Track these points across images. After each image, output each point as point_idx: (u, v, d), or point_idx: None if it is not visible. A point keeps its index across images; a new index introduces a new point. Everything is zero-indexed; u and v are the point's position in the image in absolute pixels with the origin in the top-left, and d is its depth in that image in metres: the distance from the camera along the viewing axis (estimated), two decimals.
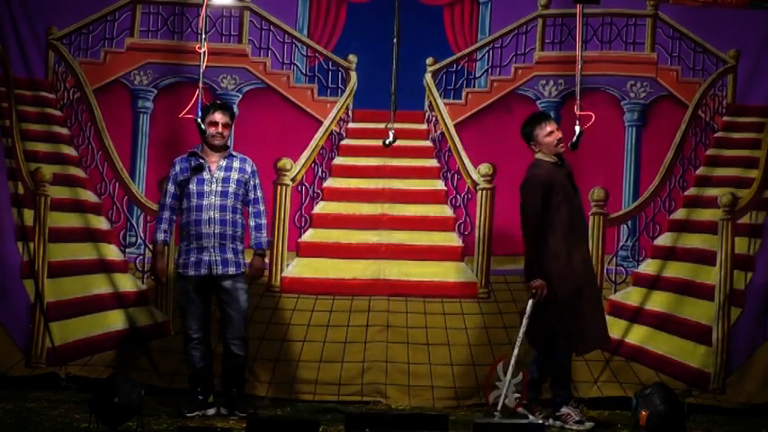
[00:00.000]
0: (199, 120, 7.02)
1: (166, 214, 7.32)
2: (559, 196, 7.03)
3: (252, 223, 7.37)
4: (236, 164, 7.32)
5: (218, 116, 7.26)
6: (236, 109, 8.10)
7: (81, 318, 8.01)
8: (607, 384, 7.98)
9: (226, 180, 7.25)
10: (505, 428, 6.21)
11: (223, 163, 7.27)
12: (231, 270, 7.22)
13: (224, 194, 7.23)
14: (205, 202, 7.19)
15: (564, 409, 7.07)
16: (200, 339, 7.23)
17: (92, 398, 6.41)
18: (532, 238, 7.05)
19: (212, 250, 7.18)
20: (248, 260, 7.39)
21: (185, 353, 7.29)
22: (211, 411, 7.23)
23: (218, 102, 7.62)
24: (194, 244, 7.19)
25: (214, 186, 7.23)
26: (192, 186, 7.22)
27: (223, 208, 7.21)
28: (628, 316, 8.06)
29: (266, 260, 7.58)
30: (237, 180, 7.28)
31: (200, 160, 7.26)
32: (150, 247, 8.02)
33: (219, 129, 7.24)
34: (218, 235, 7.19)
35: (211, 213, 7.19)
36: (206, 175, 7.23)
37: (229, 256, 7.22)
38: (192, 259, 7.19)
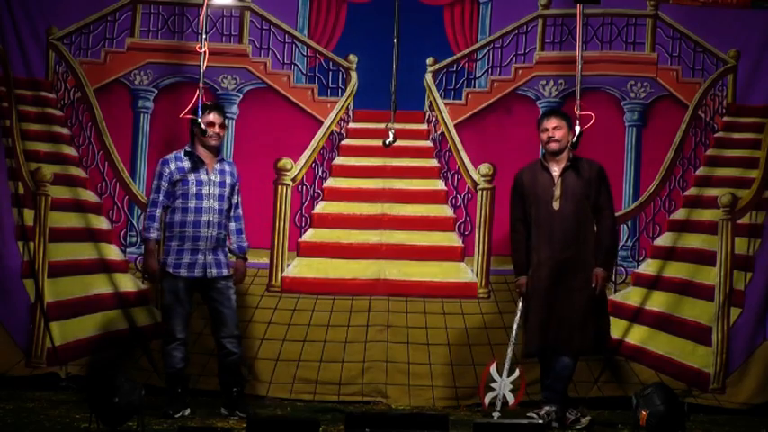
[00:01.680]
0: (199, 120, 7.01)
1: (158, 212, 7.23)
2: (529, 198, 7.13)
3: (233, 227, 7.34)
4: (227, 168, 7.32)
5: (214, 116, 7.20)
6: (235, 109, 8.16)
7: (81, 318, 8.01)
8: (607, 384, 7.99)
9: (222, 184, 7.24)
10: (505, 428, 6.20)
11: (218, 166, 7.26)
12: (225, 272, 7.23)
13: (221, 198, 7.22)
14: (204, 205, 7.17)
15: (546, 407, 7.07)
16: (183, 340, 7.20)
17: (92, 398, 6.42)
18: (510, 236, 7.29)
19: (207, 252, 7.17)
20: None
21: (165, 353, 7.22)
22: (188, 411, 7.22)
23: (211, 103, 7.55)
24: (188, 245, 7.16)
25: (212, 189, 7.21)
26: (191, 187, 7.19)
27: (220, 212, 7.20)
28: (628, 316, 8.06)
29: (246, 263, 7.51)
30: (230, 184, 7.29)
31: (198, 162, 7.22)
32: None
33: (216, 129, 7.21)
34: (214, 238, 7.17)
35: (210, 216, 7.17)
36: (204, 176, 7.22)
37: (221, 257, 7.22)
38: (186, 260, 7.16)
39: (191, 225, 7.17)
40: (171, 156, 7.28)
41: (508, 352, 7.27)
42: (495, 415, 7.13)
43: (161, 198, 7.22)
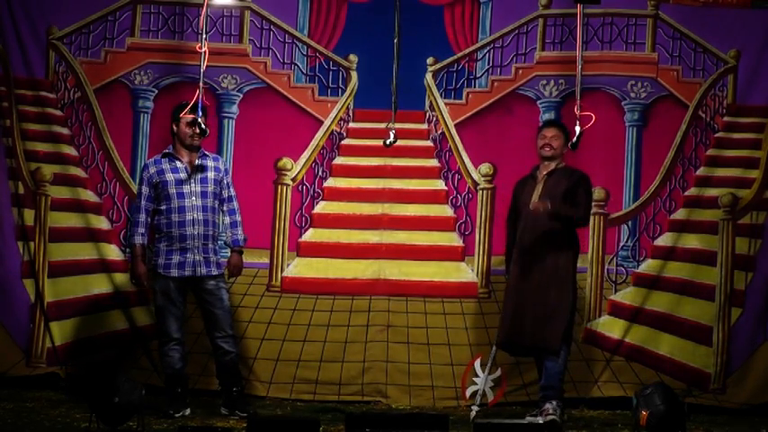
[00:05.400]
0: (200, 119, 7.00)
1: (143, 217, 7.26)
2: (519, 205, 7.34)
3: (228, 221, 7.37)
4: (210, 163, 7.32)
5: None
6: (235, 109, 8.16)
7: (81, 318, 8.00)
8: (607, 384, 7.99)
9: (204, 180, 7.25)
10: (505, 428, 6.21)
11: (199, 163, 7.28)
12: (214, 271, 7.24)
13: (204, 195, 7.23)
14: (187, 203, 7.19)
15: (546, 405, 7.11)
16: (180, 340, 7.23)
17: (92, 398, 6.42)
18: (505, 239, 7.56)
19: (196, 251, 7.18)
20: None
21: (162, 354, 7.25)
22: (188, 411, 7.23)
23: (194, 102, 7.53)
24: (176, 245, 7.17)
25: (194, 187, 7.22)
26: (172, 188, 7.20)
27: (205, 209, 7.22)
28: (628, 316, 8.06)
29: (243, 257, 7.50)
30: (214, 179, 7.29)
31: (177, 162, 7.24)
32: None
33: (197, 129, 7.21)
34: (202, 236, 7.19)
35: (195, 214, 7.19)
36: (184, 176, 7.23)
37: (211, 256, 7.24)
38: (175, 260, 7.18)
39: (176, 225, 7.18)
40: (150, 160, 7.36)
41: (492, 350, 7.43)
42: (474, 409, 7.26)
43: (143, 203, 7.27)
